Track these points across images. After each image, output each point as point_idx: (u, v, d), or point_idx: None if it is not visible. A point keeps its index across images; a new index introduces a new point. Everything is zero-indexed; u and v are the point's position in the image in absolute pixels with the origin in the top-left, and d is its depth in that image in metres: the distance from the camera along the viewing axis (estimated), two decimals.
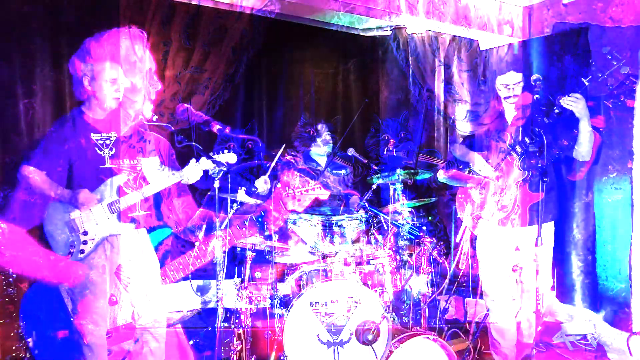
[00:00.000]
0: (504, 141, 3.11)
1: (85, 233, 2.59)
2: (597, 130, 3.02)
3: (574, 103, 2.75)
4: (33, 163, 2.63)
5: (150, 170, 2.77)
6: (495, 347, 3.36)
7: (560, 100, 2.76)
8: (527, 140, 2.91)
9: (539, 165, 2.81)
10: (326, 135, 3.92)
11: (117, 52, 2.81)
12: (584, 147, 2.91)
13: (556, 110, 2.79)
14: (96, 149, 2.65)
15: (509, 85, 3.07)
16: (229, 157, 2.80)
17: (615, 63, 2.68)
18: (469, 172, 3.26)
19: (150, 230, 3.18)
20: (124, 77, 2.73)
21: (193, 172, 2.76)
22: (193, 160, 2.77)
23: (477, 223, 3.29)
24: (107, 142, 2.68)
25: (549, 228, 3.13)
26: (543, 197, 2.69)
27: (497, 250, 3.24)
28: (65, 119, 2.75)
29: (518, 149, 2.98)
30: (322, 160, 3.97)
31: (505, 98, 3.10)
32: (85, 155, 2.63)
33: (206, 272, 3.34)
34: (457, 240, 3.41)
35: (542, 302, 2.77)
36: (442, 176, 3.39)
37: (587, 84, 2.74)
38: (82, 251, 2.59)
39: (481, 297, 3.46)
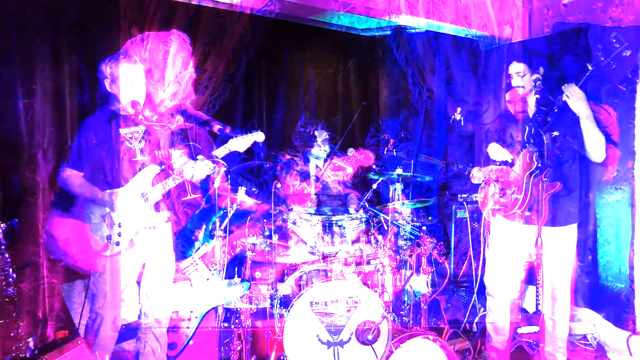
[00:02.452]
0: (504, 141, 3.09)
1: (119, 225, 2.63)
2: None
3: (570, 95, 2.67)
4: (70, 164, 2.69)
5: (179, 161, 2.80)
6: (488, 341, 3.35)
7: (563, 92, 2.70)
8: (541, 132, 2.83)
9: (539, 165, 2.79)
10: (324, 142, 3.91)
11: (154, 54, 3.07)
12: (590, 146, 2.81)
13: (555, 110, 2.75)
14: (126, 142, 2.70)
15: (512, 76, 3.04)
16: (258, 137, 2.85)
17: (618, 46, 2.63)
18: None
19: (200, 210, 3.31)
20: (143, 77, 2.76)
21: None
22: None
23: (491, 218, 3.23)
24: (137, 135, 2.73)
25: (571, 231, 3.03)
26: (544, 196, 2.66)
27: (510, 249, 3.16)
28: (93, 117, 2.79)
29: (531, 140, 2.92)
30: (321, 163, 3.97)
31: (512, 88, 3.05)
32: (116, 151, 2.68)
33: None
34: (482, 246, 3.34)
35: (542, 302, 2.75)
36: (475, 180, 3.31)
37: (590, 68, 2.65)
38: (117, 243, 2.63)
39: (484, 295, 3.43)
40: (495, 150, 3.06)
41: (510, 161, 3.03)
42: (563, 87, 2.70)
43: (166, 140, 2.85)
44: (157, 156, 2.77)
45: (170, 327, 3.00)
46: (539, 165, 2.83)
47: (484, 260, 3.36)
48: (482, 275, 3.36)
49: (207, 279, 3.14)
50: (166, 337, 2.94)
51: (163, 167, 2.74)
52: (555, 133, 2.81)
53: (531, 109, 3.05)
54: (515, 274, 3.19)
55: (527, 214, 2.98)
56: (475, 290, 3.54)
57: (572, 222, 3.03)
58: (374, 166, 3.89)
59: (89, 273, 2.80)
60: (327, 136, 3.92)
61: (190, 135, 3.00)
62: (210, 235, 3.27)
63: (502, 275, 3.21)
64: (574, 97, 2.72)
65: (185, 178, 2.74)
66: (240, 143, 2.83)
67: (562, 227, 3.00)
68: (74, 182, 2.67)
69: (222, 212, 2.92)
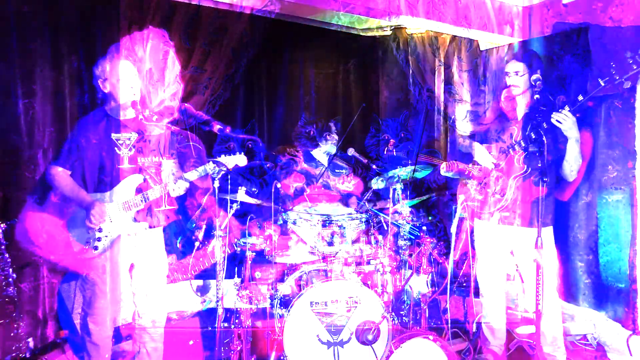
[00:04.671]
0: (504, 141, 3.10)
1: (100, 230, 2.62)
2: (592, 128, 2.96)
3: (563, 120, 2.73)
4: (59, 163, 2.67)
5: (166, 172, 2.78)
6: (485, 345, 3.35)
7: (551, 117, 2.75)
8: (532, 135, 2.86)
9: (539, 165, 2.80)
10: (335, 135, 3.93)
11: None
12: (568, 167, 2.90)
13: (545, 125, 2.76)
14: (115, 148, 2.68)
15: (510, 74, 3.03)
16: (239, 160, 2.81)
17: (635, 67, 2.62)
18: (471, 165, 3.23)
19: (173, 223, 3.23)
20: (138, 79, 2.75)
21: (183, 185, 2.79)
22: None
23: (474, 219, 3.26)
24: (127, 142, 2.71)
25: (547, 233, 3.08)
26: (543, 196, 2.67)
27: (494, 249, 3.21)
28: (88, 118, 2.78)
29: (522, 143, 2.95)
30: (325, 159, 3.96)
31: (507, 86, 3.05)
32: (105, 155, 2.66)
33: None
34: (452, 230, 3.38)
35: (542, 303, 2.75)
36: (444, 170, 3.36)
37: (602, 84, 2.67)
38: (95, 247, 2.62)
39: (477, 295, 3.44)
40: (481, 152, 3.10)
41: (490, 166, 3.08)
42: (554, 114, 2.74)
43: (165, 142, 2.84)
44: (144, 164, 2.74)
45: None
46: (529, 169, 2.88)
47: (455, 254, 3.40)
48: (459, 275, 3.40)
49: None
50: (162, 337, 2.93)
51: (147, 176, 2.72)
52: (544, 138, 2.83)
53: (521, 110, 3.07)
54: (500, 275, 3.22)
55: (506, 214, 3.02)
56: (472, 290, 3.55)
57: (548, 225, 3.06)
58: (374, 166, 3.87)
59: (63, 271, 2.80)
60: (336, 135, 3.92)
61: (191, 137, 2.99)
62: (177, 250, 3.27)
63: (489, 276, 3.25)
64: (567, 123, 2.75)
65: (169, 192, 2.73)
66: (224, 162, 2.80)
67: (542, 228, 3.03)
68: (61, 180, 2.65)
69: (194, 224, 2.91)
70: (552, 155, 2.91)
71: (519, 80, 3.01)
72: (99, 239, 2.61)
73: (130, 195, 2.67)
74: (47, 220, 2.78)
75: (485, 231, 3.24)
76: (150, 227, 2.79)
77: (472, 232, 3.37)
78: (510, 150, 3.00)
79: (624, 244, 3.64)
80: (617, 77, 2.65)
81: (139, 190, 2.69)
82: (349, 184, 4.00)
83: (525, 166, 2.96)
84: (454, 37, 4.68)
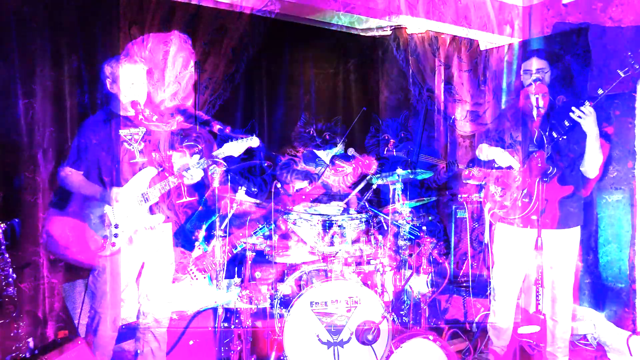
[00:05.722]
0: (504, 141, 3.08)
1: (116, 226, 2.63)
2: (607, 139, 2.92)
3: (585, 117, 2.68)
4: (69, 163, 2.70)
5: (179, 162, 2.80)
6: (488, 345, 3.34)
7: (570, 113, 2.70)
8: (554, 134, 2.79)
9: (539, 165, 2.79)
10: (335, 135, 3.94)
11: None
12: (589, 164, 2.84)
13: (566, 123, 2.71)
14: (125, 144, 2.70)
15: (531, 71, 2.94)
16: (252, 142, 2.84)
17: None
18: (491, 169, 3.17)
19: (195, 214, 3.35)
20: (144, 78, 2.76)
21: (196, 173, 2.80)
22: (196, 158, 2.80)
23: (496, 223, 3.20)
24: (136, 137, 2.73)
25: (575, 233, 3.03)
26: (544, 197, 2.66)
27: (516, 252, 3.12)
28: (93, 118, 2.79)
29: (545, 142, 2.88)
30: (327, 159, 3.96)
31: (527, 86, 2.96)
32: (115, 152, 2.68)
33: None
34: (486, 241, 3.33)
35: (542, 302, 2.74)
36: (465, 180, 3.31)
37: (622, 75, 2.60)
38: (113, 244, 2.63)
39: (483, 295, 3.42)
40: (502, 156, 3.01)
41: (516, 167, 3.00)
42: (574, 108, 2.69)
43: (166, 141, 2.85)
44: (156, 158, 2.76)
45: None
46: (553, 169, 2.82)
47: (489, 261, 3.35)
48: (480, 275, 3.34)
49: (197, 279, 3.15)
50: (165, 337, 2.94)
51: (160, 168, 2.74)
52: (564, 137, 2.80)
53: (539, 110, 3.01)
54: (518, 278, 3.18)
55: (534, 217, 2.94)
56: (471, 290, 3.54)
57: (576, 225, 3.02)
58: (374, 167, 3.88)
59: (90, 269, 2.80)
60: (342, 148, 3.93)
61: (192, 135, 3.00)
62: (204, 238, 3.28)
63: (509, 280, 3.17)
64: (589, 118, 2.70)
65: (183, 181, 2.75)
66: (235, 147, 2.83)
67: (567, 229, 2.98)
68: (73, 180, 2.68)
69: (216, 215, 2.92)
70: (573, 153, 2.86)
71: (545, 77, 2.93)
72: (116, 235, 2.63)
73: (145, 188, 2.69)
74: (67, 221, 2.82)
75: (508, 234, 3.13)
76: (165, 222, 2.80)
77: (477, 232, 3.35)
78: (535, 151, 2.94)
79: (624, 244, 3.64)
80: (637, 66, 2.55)
81: (153, 183, 2.71)
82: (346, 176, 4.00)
83: (550, 166, 2.89)
84: (454, 37, 4.68)
